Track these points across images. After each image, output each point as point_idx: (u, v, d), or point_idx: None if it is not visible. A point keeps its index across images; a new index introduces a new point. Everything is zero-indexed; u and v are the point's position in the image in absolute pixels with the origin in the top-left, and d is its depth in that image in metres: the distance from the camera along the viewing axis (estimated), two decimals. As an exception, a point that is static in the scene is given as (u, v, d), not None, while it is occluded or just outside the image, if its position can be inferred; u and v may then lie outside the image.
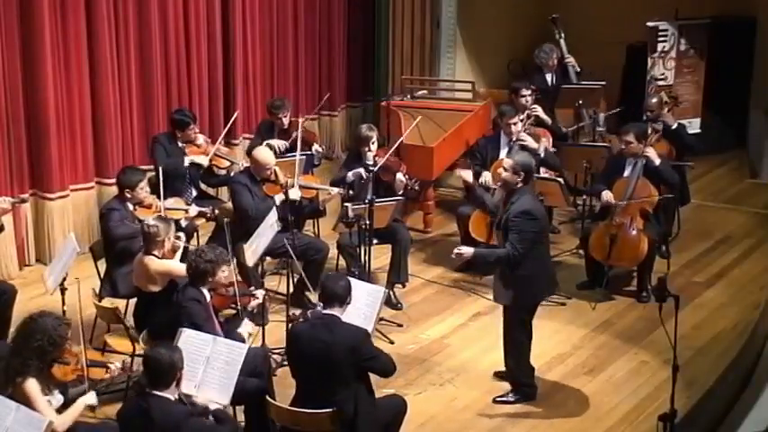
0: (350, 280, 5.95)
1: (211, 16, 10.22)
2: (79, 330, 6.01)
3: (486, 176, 8.78)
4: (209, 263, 6.28)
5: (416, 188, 8.64)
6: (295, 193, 8.00)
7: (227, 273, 6.41)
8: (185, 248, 7.13)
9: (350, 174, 8.41)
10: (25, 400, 5.41)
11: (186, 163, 8.66)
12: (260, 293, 6.70)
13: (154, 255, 6.81)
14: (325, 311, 5.80)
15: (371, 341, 5.88)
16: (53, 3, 8.69)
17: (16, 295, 7.28)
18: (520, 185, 6.67)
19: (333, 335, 5.66)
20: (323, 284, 5.91)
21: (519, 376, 6.92)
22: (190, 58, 10.05)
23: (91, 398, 5.66)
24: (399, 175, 8.40)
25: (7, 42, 8.45)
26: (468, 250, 6.79)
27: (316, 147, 9.36)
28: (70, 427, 5.55)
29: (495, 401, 6.90)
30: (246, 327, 6.37)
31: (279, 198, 7.89)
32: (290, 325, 6.89)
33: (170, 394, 5.31)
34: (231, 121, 9.70)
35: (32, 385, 5.49)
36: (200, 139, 8.94)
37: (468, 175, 8.53)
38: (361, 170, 8.32)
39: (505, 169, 6.72)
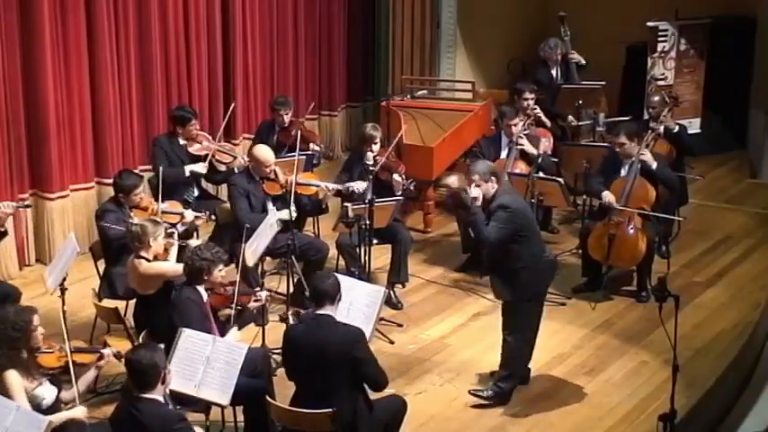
0: (338, 277, 5.88)
1: (211, 16, 10.23)
2: (63, 326, 5.97)
3: None
4: (204, 261, 6.27)
5: (412, 188, 8.62)
6: (286, 214, 7.84)
7: (224, 272, 6.40)
8: (181, 247, 7.12)
9: (349, 185, 8.37)
10: (6, 394, 5.38)
11: (187, 173, 8.67)
12: (263, 294, 6.67)
13: (143, 257, 6.77)
14: (318, 312, 5.75)
15: (367, 343, 5.82)
16: (53, 3, 8.69)
17: (20, 298, 7.27)
18: (496, 188, 6.71)
19: (328, 334, 5.63)
20: (312, 285, 5.86)
21: (509, 374, 6.87)
22: (190, 58, 10.06)
23: (79, 412, 5.58)
24: (396, 176, 8.39)
25: (7, 42, 8.45)
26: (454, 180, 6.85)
27: (313, 146, 9.36)
28: (64, 427, 5.52)
29: (470, 393, 6.87)
30: (232, 335, 6.33)
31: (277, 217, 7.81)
32: (285, 325, 6.86)
33: (158, 395, 5.27)
34: (230, 112, 9.72)
35: (11, 377, 5.45)
36: (201, 135, 8.97)
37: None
38: (360, 185, 8.25)
39: (477, 185, 6.71)
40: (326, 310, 5.73)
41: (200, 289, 6.33)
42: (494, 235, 6.58)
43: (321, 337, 5.63)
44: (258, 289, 6.80)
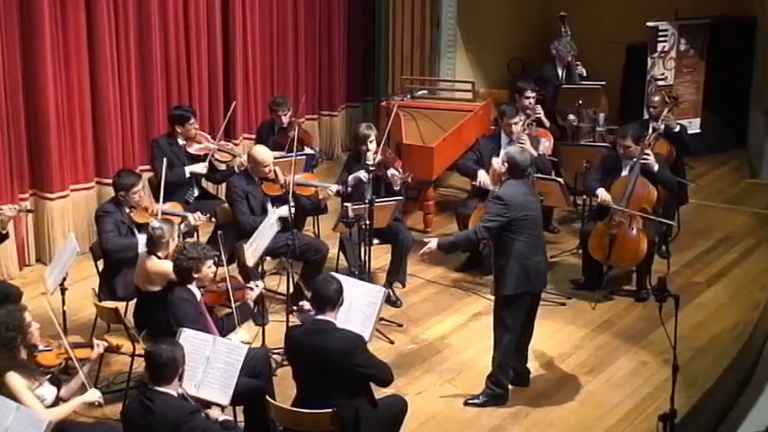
0: (341, 281, 5.85)
1: (211, 16, 10.23)
2: (55, 323, 5.94)
3: (483, 176, 8.71)
4: (192, 260, 6.28)
5: (410, 180, 8.62)
6: (285, 211, 7.79)
7: (213, 268, 6.40)
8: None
9: (350, 178, 8.40)
10: (12, 397, 5.38)
11: (187, 174, 8.67)
12: (258, 285, 6.66)
13: (157, 255, 6.79)
14: (318, 317, 5.74)
15: (367, 349, 5.78)
16: (53, 3, 8.69)
17: (21, 298, 7.26)
18: (506, 177, 6.78)
19: (326, 340, 5.61)
20: (314, 289, 5.85)
21: (495, 371, 6.87)
22: (190, 58, 10.06)
23: (92, 395, 5.63)
24: (392, 170, 8.38)
25: (7, 42, 8.45)
26: (431, 244, 6.85)
27: (308, 149, 9.34)
28: (64, 427, 5.53)
29: (465, 404, 6.87)
30: (240, 335, 6.34)
31: (277, 215, 7.78)
32: (288, 322, 6.85)
33: (172, 390, 5.32)
34: (231, 110, 9.72)
35: (14, 380, 5.46)
36: (200, 135, 8.96)
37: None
38: (362, 173, 8.27)
39: (502, 162, 6.92)
40: (327, 316, 5.72)
41: (192, 288, 6.34)
42: (484, 228, 6.67)
43: (319, 342, 5.62)
44: (252, 283, 6.78)
